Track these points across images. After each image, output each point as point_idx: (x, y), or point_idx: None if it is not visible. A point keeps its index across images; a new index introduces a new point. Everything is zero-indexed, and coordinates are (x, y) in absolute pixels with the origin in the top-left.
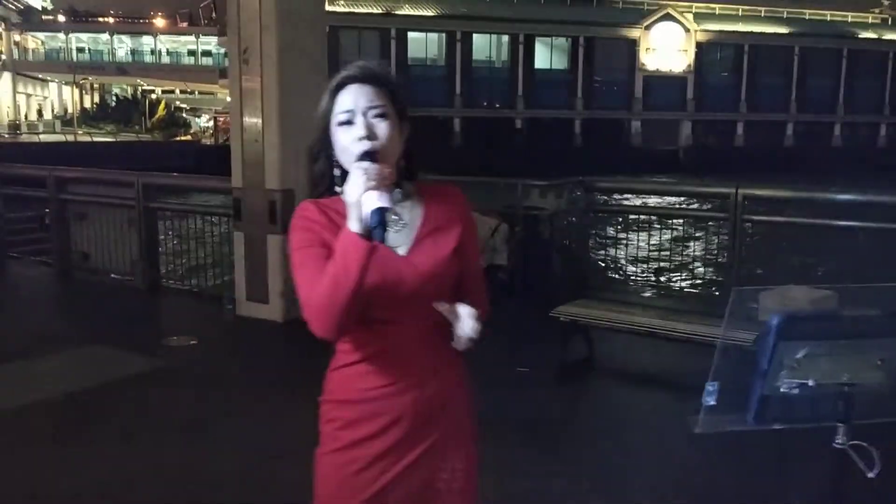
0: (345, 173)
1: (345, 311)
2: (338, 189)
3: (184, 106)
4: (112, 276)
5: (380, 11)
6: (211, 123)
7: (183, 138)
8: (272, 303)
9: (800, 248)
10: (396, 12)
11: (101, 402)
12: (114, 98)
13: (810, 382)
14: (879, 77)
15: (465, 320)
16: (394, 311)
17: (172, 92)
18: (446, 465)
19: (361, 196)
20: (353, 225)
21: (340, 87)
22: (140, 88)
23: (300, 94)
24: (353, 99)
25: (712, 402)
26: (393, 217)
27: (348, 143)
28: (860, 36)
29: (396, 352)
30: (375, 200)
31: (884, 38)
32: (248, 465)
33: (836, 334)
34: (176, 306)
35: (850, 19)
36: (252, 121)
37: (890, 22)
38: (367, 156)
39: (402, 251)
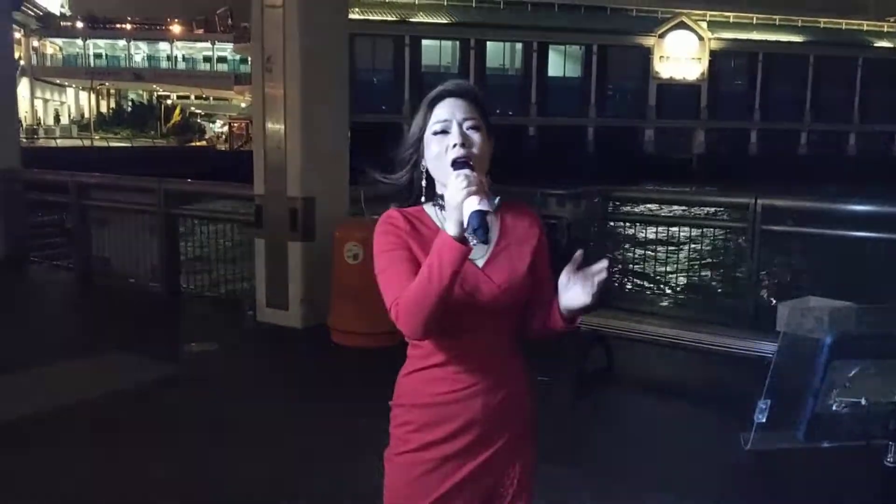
0: (431, 183)
1: (434, 312)
2: (422, 200)
3: (199, 112)
4: (132, 281)
5: (394, 19)
6: (225, 129)
7: (197, 144)
8: (292, 309)
9: (816, 258)
10: (410, 19)
11: (123, 409)
12: (130, 103)
13: (862, 401)
14: (895, 86)
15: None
16: (467, 320)
17: (188, 97)
18: (513, 468)
19: (463, 200)
20: (451, 228)
21: (437, 100)
22: (156, 94)
23: (323, 101)
24: (449, 110)
25: (763, 420)
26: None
27: (442, 150)
28: (875, 45)
29: (468, 359)
30: (476, 204)
31: None
32: (274, 470)
33: (888, 353)
34: (196, 312)
35: (865, 28)
36: (274, 128)
37: None
38: (463, 164)
39: (479, 263)
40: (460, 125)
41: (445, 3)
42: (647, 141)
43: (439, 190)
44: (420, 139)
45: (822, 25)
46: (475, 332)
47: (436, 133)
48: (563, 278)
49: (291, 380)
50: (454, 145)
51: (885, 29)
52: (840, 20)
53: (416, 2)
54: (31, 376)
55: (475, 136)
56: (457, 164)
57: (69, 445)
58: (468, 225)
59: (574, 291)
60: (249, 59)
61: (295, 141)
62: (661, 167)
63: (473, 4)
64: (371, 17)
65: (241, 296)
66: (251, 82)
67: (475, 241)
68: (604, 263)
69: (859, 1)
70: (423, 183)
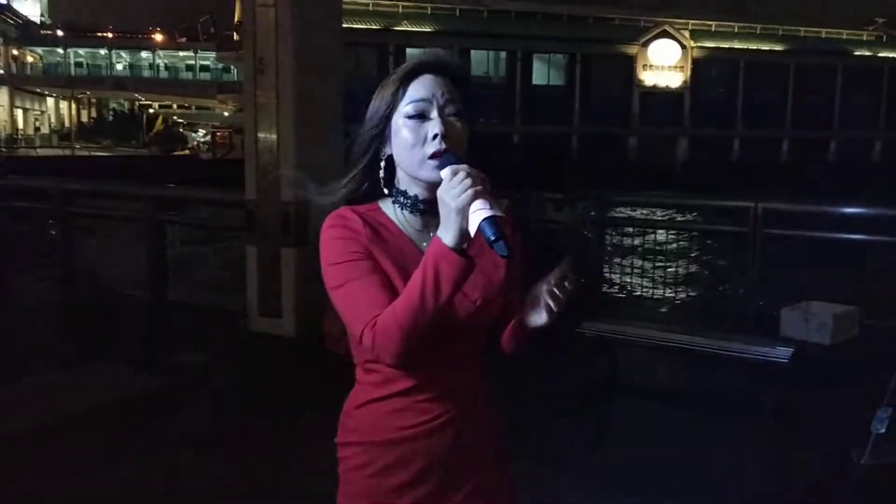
0: (390, 174)
1: (424, 335)
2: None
3: (181, 121)
4: (119, 291)
5: (378, 27)
6: (208, 138)
7: (180, 153)
8: (286, 318)
9: (814, 261)
10: (395, 28)
11: (111, 422)
12: (111, 113)
13: None
14: (874, 94)
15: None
16: (436, 339)
17: (170, 107)
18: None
19: (468, 203)
20: (449, 237)
21: (413, 75)
22: (137, 103)
23: (317, 102)
24: (428, 89)
25: (882, 430)
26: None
27: (419, 139)
28: (855, 53)
29: (435, 384)
30: (487, 208)
31: (878, 55)
32: (267, 483)
33: None
34: (186, 322)
35: (844, 36)
36: (267, 130)
37: (884, 39)
38: (448, 158)
39: None
40: (441, 109)
41: (430, 12)
42: (630, 149)
43: (402, 184)
44: (386, 120)
45: (802, 34)
46: (444, 354)
47: (410, 117)
48: (536, 290)
49: (286, 391)
50: (434, 136)
51: (864, 37)
52: (820, 29)
53: (401, 10)
54: (12, 389)
55: (458, 126)
56: (443, 160)
57: (55, 459)
58: (484, 236)
59: (538, 307)
60: (234, 66)
61: (288, 143)
62: (646, 175)
63: (458, 13)
64: (355, 26)
65: (232, 305)
66: (237, 89)
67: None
68: (563, 273)
69: (838, 10)
70: (382, 174)
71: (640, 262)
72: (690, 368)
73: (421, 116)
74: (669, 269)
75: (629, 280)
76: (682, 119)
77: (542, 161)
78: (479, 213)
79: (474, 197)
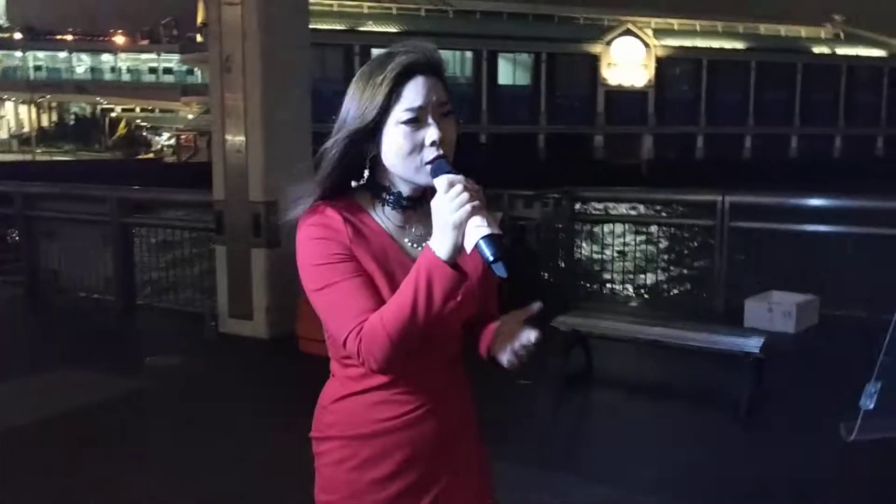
0: (373, 172)
1: (414, 345)
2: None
3: (144, 124)
4: (84, 294)
5: (343, 28)
6: (172, 141)
7: (144, 157)
8: (257, 319)
9: (780, 253)
10: (360, 28)
11: (80, 428)
12: (72, 117)
13: None
14: (833, 90)
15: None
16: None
17: (132, 110)
18: (471, 495)
19: (465, 220)
20: (444, 250)
21: (406, 76)
22: (99, 107)
23: (285, 100)
24: (424, 93)
25: (871, 406)
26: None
27: (416, 145)
28: (814, 51)
29: (415, 376)
30: (486, 227)
31: (836, 52)
32: (242, 486)
33: None
34: (154, 325)
35: (803, 34)
36: (235, 129)
37: (842, 37)
38: (444, 166)
39: None
40: (436, 113)
41: (395, 13)
42: (596, 147)
43: (386, 181)
44: (375, 123)
45: (762, 32)
46: (422, 348)
47: (405, 122)
48: (504, 322)
49: (259, 393)
50: (432, 143)
51: (823, 35)
52: (779, 26)
53: (366, 10)
54: None
55: (450, 128)
56: (437, 166)
57: (27, 468)
58: (482, 255)
59: (503, 344)
60: (197, 69)
61: (257, 142)
62: (612, 173)
63: (423, 13)
64: (320, 27)
65: (202, 307)
66: (202, 91)
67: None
68: (532, 335)
69: (798, 7)
70: (367, 174)
71: (609, 256)
72: (664, 360)
73: (415, 121)
74: (639, 263)
75: (601, 274)
76: (647, 117)
77: (509, 160)
78: (477, 230)
79: (472, 213)
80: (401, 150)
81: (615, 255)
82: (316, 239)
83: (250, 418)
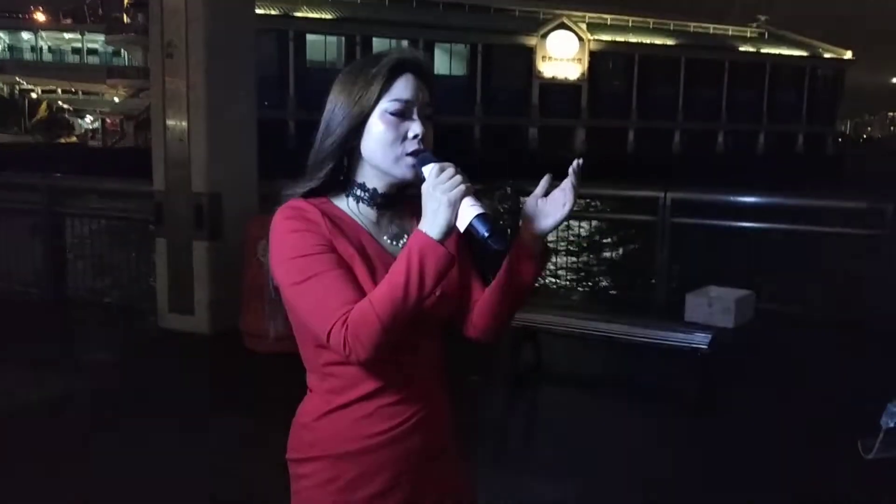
0: (350, 167)
1: (401, 329)
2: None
3: (67, 107)
4: (6, 286)
5: (277, 13)
6: (97, 125)
7: (67, 140)
8: (198, 314)
9: (719, 249)
10: (294, 14)
11: (12, 430)
12: None
13: None
14: (758, 88)
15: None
16: (404, 335)
17: (54, 91)
18: None
19: (460, 199)
20: (436, 230)
21: (399, 71)
22: (18, 87)
23: (229, 88)
24: (413, 90)
25: (892, 425)
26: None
27: (398, 136)
28: (740, 49)
29: (401, 385)
30: (478, 206)
31: (761, 51)
32: (184, 489)
33: None
34: (89, 320)
35: (730, 33)
36: (176, 118)
37: (766, 36)
38: (429, 156)
39: None
40: (420, 112)
41: None
42: (531, 139)
43: (361, 177)
44: (366, 115)
45: (691, 29)
46: (406, 351)
47: (391, 113)
48: (532, 203)
49: (201, 391)
50: (415, 136)
51: (748, 34)
52: (708, 24)
53: None
54: None
55: (430, 131)
56: (423, 157)
57: None
58: (477, 232)
59: (549, 208)
60: (124, 50)
61: (199, 132)
62: (547, 165)
63: (359, 1)
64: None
65: (138, 301)
66: (128, 73)
67: (494, 249)
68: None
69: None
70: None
71: (554, 250)
72: (612, 355)
73: (401, 115)
74: (583, 258)
75: (547, 268)
76: (580, 111)
77: (444, 151)
78: (470, 209)
79: (465, 193)
80: (383, 139)
81: (558, 248)
82: (294, 231)
83: (192, 417)
